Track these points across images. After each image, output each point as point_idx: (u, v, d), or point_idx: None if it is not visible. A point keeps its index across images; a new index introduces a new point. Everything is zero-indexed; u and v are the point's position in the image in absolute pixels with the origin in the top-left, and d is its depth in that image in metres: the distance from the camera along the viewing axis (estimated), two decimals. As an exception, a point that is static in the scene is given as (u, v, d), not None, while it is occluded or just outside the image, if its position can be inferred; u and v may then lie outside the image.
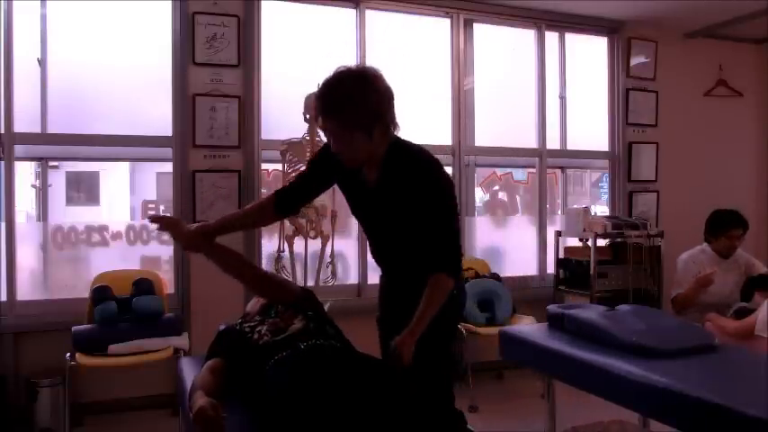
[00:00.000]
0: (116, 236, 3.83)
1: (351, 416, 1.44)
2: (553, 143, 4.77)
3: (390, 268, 2.06)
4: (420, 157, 1.89)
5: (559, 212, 4.95)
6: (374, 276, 3.97)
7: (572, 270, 4.36)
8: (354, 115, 1.76)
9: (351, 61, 4.08)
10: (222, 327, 2.01)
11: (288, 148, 3.61)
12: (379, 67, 1.89)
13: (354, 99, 1.75)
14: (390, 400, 1.50)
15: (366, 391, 1.50)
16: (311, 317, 1.90)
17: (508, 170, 5.07)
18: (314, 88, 3.55)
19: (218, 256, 2.11)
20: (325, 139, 3.54)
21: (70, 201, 8.42)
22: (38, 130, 3.60)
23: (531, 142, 4.71)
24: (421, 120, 4.52)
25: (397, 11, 4.28)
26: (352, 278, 4.20)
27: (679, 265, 3.59)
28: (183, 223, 2.12)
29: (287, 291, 2.09)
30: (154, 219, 2.15)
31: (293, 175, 3.56)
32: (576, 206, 4.76)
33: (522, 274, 4.66)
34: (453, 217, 1.88)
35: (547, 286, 4.60)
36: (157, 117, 3.79)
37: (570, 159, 5.02)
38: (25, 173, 4.18)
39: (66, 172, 8.17)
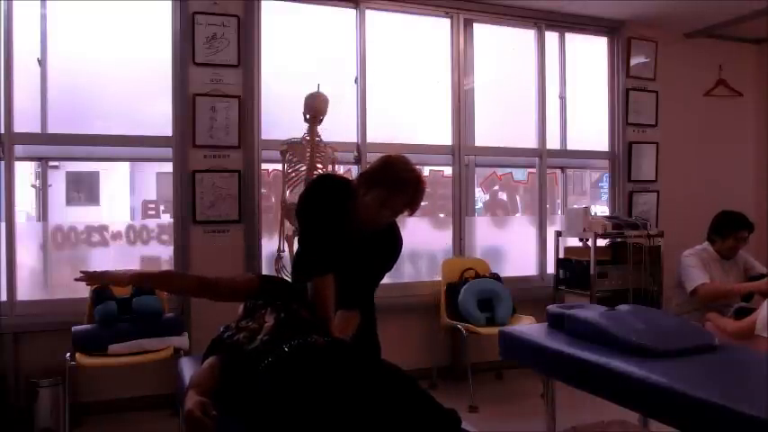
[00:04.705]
0: (116, 236, 3.83)
1: (340, 419, 1.43)
2: (553, 143, 4.77)
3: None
4: (396, 232, 2.29)
5: (559, 212, 4.95)
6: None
7: (572, 270, 4.36)
8: None
9: (351, 61, 4.15)
10: (221, 328, 2.00)
11: (288, 149, 3.61)
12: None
13: None
14: (379, 401, 1.49)
15: (354, 393, 1.49)
16: (279, 307, 1.89)
17: (508, 170, 5.06)
18: (314, 88, 3.60)
19: (157, 284, 2.27)
20: (325, 140, 3.54)
21: (70, 201, 8.42)
22: (38, 130, 3.60)
23: (531, 142, 4.71)
24: (421, 120, 4.53)
25: (397, 11, 4.28)
26: (352, 278, 4.19)
27: (688, 260, 3.53)
28: (110, 272, 2.13)
29: (246, 284, 2.08)
30: (83, 278, 2.05)
31: (293, 174, 3.57)
32: (575, 206, 4.76)
33: (522, 274, 4.66)
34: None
35: (547, 286, 4.59)
36: (157, 117, 3.79)
37: (570, 159, 5.01)
38: (25, 173, 4.18)
39: (67, 172, 8.17)
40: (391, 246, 2.26)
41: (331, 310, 2.09)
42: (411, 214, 2.15)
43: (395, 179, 2.05)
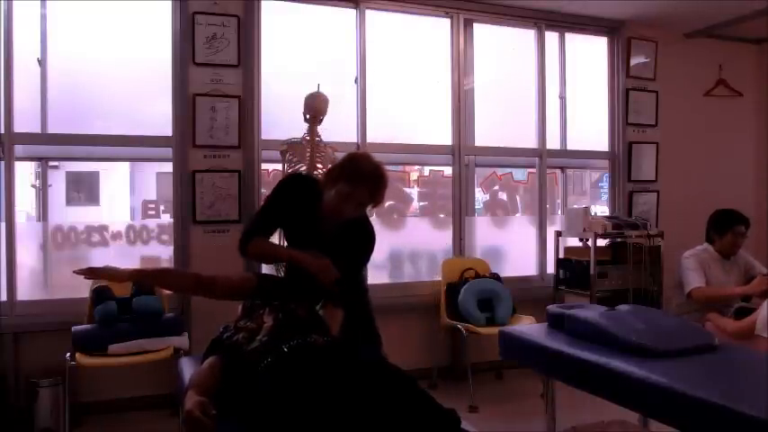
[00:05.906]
0: (116, 236, 3.83)
1: (340, 419, 1.43)
2: (553, 143, 4.77)
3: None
4: (368, 227, 2.40)
5: (559, 212, 4.95)
6: (373, 275, 3.97)
7: (572, 270, 4.36)
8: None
9: (351, 61, 4.14)
10: (221, 328, 2.00)
11: (288, 149, 3.61)
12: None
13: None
14: (378, 401, 1.49)
15: (353, 393, 1.49)
16: (277, 307, 1.89)
17: (508, 170, 5.06)
18: (314, 88, 3.60)
19: (155, 281, 2.32)
20: (325, 140, 3.54)
21: (70, 201, 8.42)
22: (38, 130, 3.60)
23: (531, 142, 4.71)
24: (421, 120, 4.53)
25: (397, 11, 4.28)
26: (352, 278, 4.19)
27: (687, 262, 3.54)
28: (110, 267, 2.10)
29: (243, 283, 2.09)
30: (80, 272, 2.00)
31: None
32: (575, 206, 4.76)
33: (522, 274, 4.66)
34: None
35: (547, 286, 4.59)
36: (157, 117, 3.79)
37: (570, 159, 5.01)
38: (25, 173, 4.18)
39: (66, 172, 8.17)
40: (363, 239, 2.37)
41: (281, 251, 2.38)
42: (375, 206, 2.29)
43: (356, 173, 2.16)
